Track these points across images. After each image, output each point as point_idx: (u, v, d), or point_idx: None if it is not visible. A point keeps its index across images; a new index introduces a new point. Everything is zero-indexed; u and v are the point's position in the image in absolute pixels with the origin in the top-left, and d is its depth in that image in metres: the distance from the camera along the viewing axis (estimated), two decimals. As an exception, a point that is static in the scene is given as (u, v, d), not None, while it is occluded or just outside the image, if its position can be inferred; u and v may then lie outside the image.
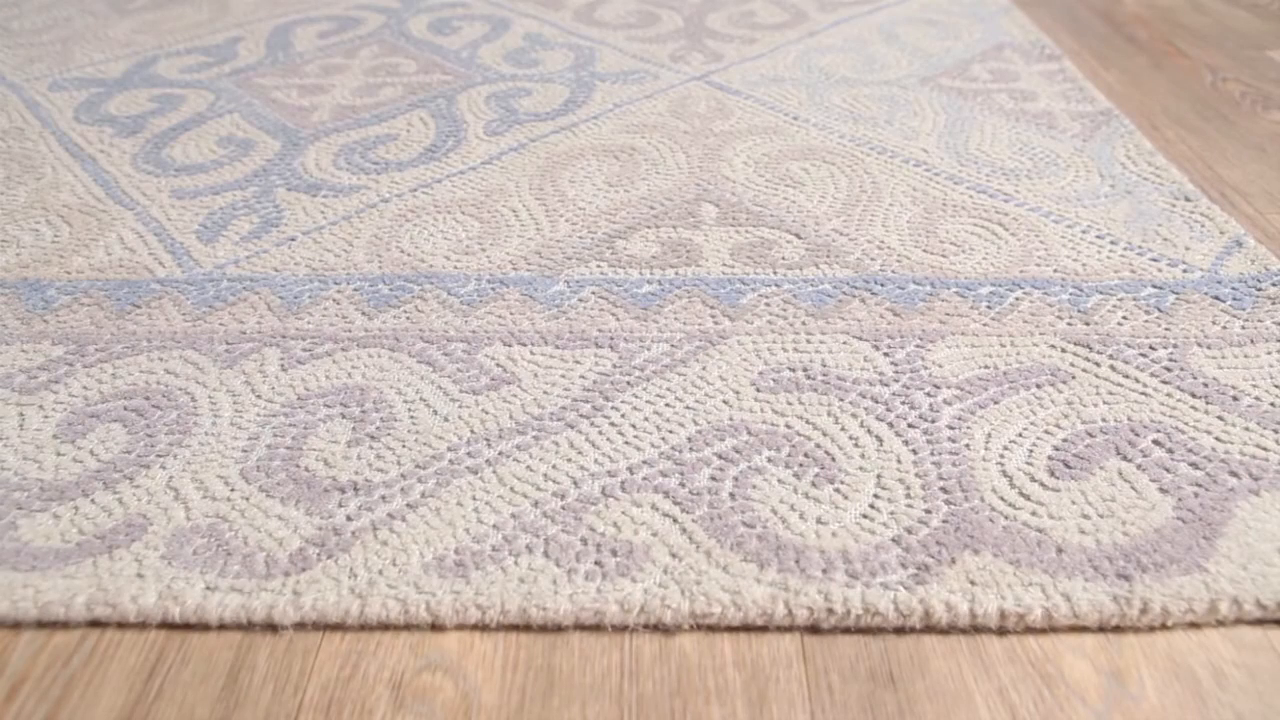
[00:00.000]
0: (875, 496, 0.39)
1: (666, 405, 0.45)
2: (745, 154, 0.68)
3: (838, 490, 0.40)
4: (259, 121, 0.75)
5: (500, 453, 0.42)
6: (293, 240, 0.59)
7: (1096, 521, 0.38)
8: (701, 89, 0.78)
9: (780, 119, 0.73)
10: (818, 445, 0.42)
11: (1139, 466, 0.40)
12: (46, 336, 0.51)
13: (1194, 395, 0.44)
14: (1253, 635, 0.34)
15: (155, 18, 0.98)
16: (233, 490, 0.41)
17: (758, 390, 0.45)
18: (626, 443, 0.43)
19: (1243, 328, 0.49)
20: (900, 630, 0.35)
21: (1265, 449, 0.41)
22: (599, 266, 0.55)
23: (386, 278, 0.55)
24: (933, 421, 0.43)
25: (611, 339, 0.49)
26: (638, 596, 0.35)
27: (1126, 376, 0.45)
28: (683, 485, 0.40)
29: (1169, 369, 0.46)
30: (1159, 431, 0.42)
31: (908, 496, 0.39)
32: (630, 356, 0.48)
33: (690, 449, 0.42)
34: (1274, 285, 0.52)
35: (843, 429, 0.43)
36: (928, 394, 0.45)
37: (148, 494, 0.41)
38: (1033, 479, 0.40)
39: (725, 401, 0.45)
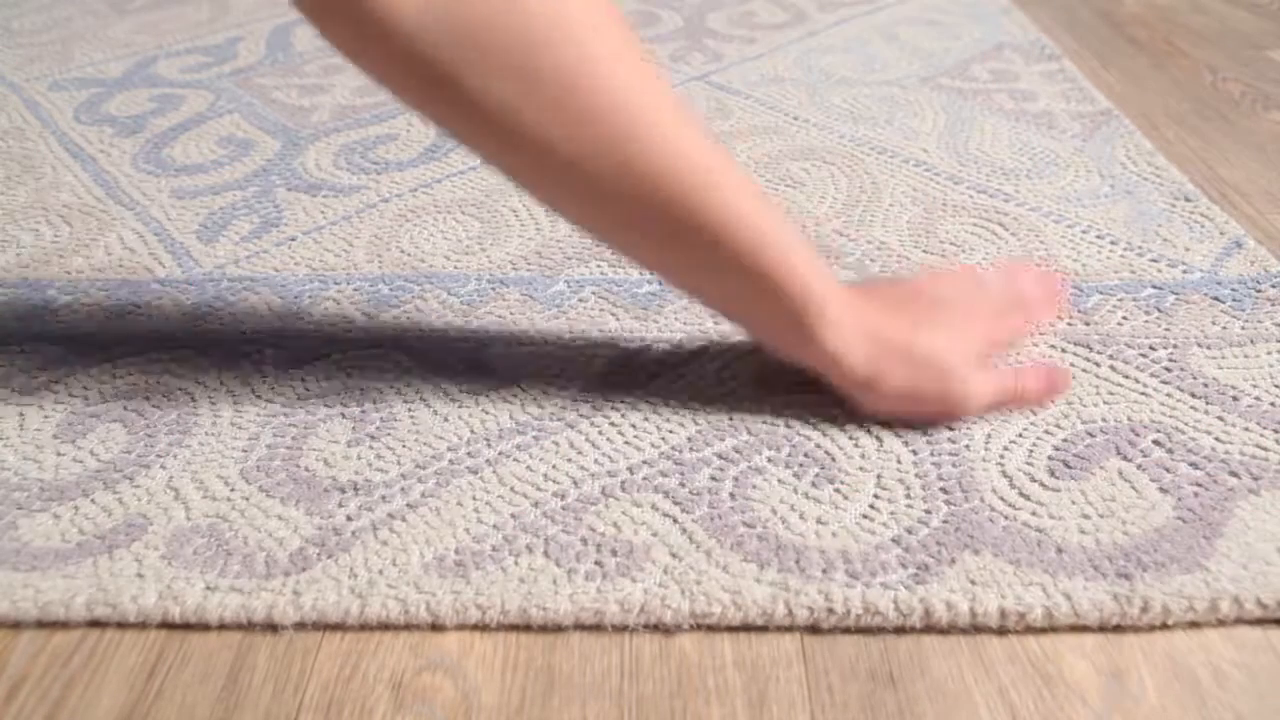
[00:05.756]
0: (875, 497, 0.39)
1: (666, 405, 0.45)
2: (745, 154, 0.68)
3: (838, 490, 0.40)
4: (259, 121, 0.75)
5: (500, 453, 0.42)
6: (293, 240, 0.59)
7: (1097, 521, 0.38)
8: (701, 89, 0.78)
9: (780, 119, 0.73)
10: (818, 445, 0.42)
11: (1139, 466, 0.40)
12: (46, 336, 0.51)
13: (1194, 395, 0.44)
14: (1253, 635, 0.34)
15: (155, 18, 0.98)
16: (233, 490, 0.41)
17: (758, 390, 0.45)
18: (626, 443, 0.43)
19: (1242, 328, 0.49)
20: (900, 630, 0.35)
21: (1265, 449, 0.41)
22: (599, 266, 0.55)
23: (386, 278, 0.55)
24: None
25: (612, 339, 0.49)
26: (638, 596, 0.35)
27: (1126, 377, 0.45)
28: (683, 485, 0.40)
29: (1169, 369, 0.46)
30: (1159, 431, 0.42)
31: (908, 497, 0.39)
32: (630, 356, 0.48)
33: (690, 449, 0.42)
34: (1273, 287, 0.52)
35: (843, 429, 0.43)
36: (928, 394, 0.45)
37: (148, 494, 0.41)
38: (1032, 479, 0.40)
39: (725, 402, 0.45)
